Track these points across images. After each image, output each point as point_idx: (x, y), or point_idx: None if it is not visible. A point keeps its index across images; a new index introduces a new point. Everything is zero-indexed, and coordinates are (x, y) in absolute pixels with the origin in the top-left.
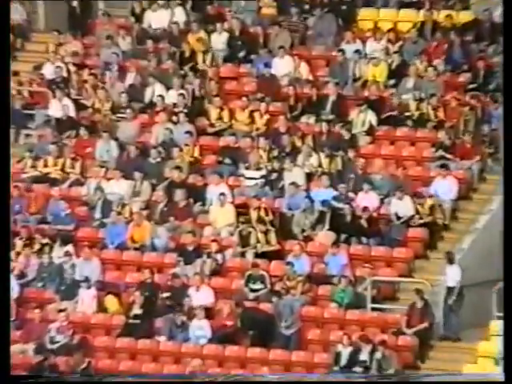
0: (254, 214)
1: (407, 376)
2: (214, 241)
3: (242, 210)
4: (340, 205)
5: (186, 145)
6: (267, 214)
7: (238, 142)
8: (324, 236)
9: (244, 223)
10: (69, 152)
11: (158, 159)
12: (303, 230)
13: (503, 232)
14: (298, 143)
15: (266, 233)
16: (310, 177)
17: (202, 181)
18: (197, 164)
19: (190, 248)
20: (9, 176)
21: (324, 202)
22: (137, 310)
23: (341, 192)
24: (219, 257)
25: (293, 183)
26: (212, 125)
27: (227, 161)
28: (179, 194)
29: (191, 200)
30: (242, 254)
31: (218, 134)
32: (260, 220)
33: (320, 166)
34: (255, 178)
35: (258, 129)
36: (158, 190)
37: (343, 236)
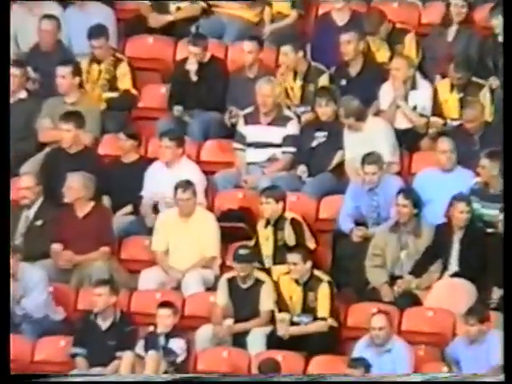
0: (266, 236)
1: None
2: (163, 305)
3: (236, 224)
4: (489, 210)
5: (96, 60)
6: (301, 235)
7: (226, 50)
8: (447, 290)
9: (242, 260)
10: None
11: (22, 95)
12: (394, 277)
13: (503, 234)
14: (381, 55)
15: (300, 283)
16: (411, 139)
17: (134, 151)
18: (124, 107)
19: (105, 323)
20: (8, 176)
21: (454, 202)
22: None
23: (487, 180)
24: (178, 346)
25: (368, 156)
26: (161, 9)
27: (200, 99)
28: (77, 184)
29: (107, 198)
30: (237, 340)
31: (177, 30)
32: (283, 248)
33: (438, 112)
34: (271, 145)
35: (275, 18)
36: (23, 173)
37: (496, 292)
